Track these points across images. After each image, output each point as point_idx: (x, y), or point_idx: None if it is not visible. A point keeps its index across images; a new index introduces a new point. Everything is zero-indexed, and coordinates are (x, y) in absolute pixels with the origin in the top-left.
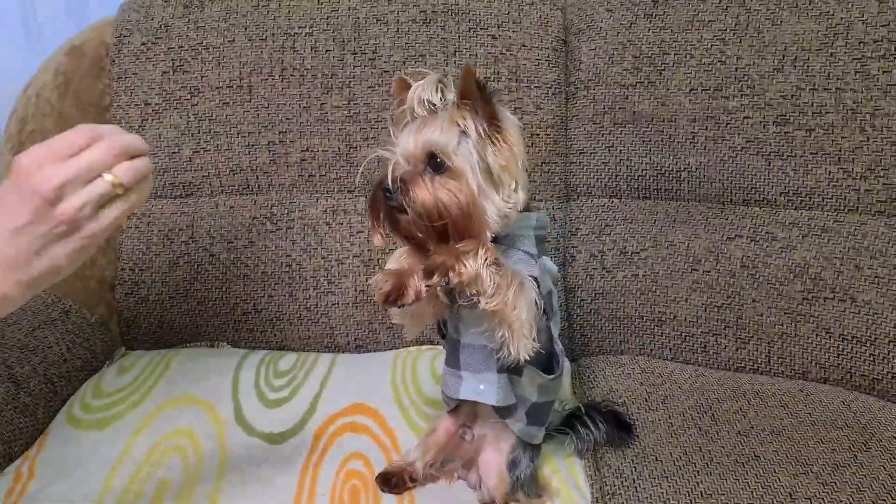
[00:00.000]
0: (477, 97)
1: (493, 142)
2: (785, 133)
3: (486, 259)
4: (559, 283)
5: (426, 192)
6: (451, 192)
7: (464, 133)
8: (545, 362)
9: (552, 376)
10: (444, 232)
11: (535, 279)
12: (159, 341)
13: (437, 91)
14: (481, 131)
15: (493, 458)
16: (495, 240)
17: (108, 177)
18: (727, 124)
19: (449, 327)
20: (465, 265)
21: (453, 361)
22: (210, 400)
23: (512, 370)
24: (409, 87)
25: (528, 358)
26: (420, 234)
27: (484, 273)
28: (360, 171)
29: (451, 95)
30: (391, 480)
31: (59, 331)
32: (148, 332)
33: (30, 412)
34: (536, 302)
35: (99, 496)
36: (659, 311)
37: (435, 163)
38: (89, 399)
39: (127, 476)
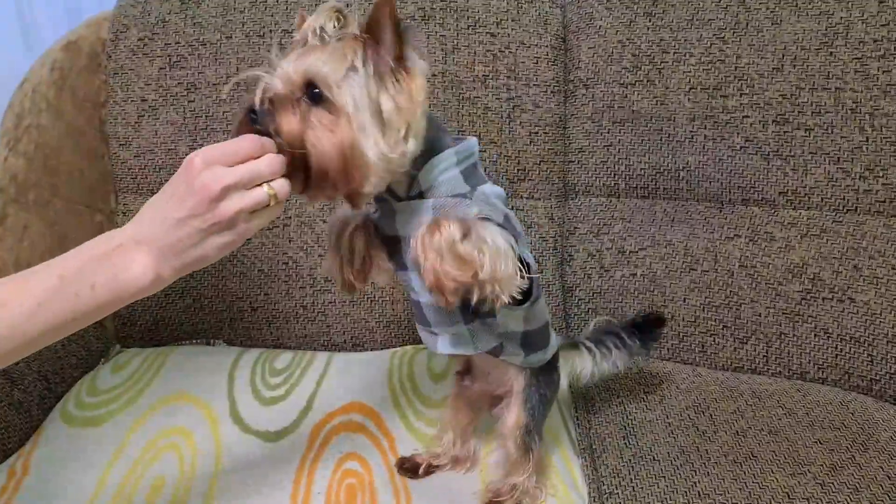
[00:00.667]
0: (388, 31)
1: (393, 82)
2: (784, 132)
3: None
4: (507, 201)
5: (295, 122)
6: (323, 127)
7: (354, 67)
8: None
9: (529, 303)
10: (313, 169)
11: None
12: (154, 339)
13: (331, 20)
14: (381, 68)
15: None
16: (420, 195)
17: (266, 188)
18: (726, 123)
19: (406, 289)
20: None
21: (422, 318)
22: (205, 398)
23: (483, 314)
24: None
25: (515, 298)
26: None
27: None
28: (225, 89)
29: (352, 28)
30: (405, 465)
31: None
32: (143, 329)
33: (24, 409)
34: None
35: (94, 493)
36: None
37: (313, 93)
38: (84, 396)
39: (122, 473)
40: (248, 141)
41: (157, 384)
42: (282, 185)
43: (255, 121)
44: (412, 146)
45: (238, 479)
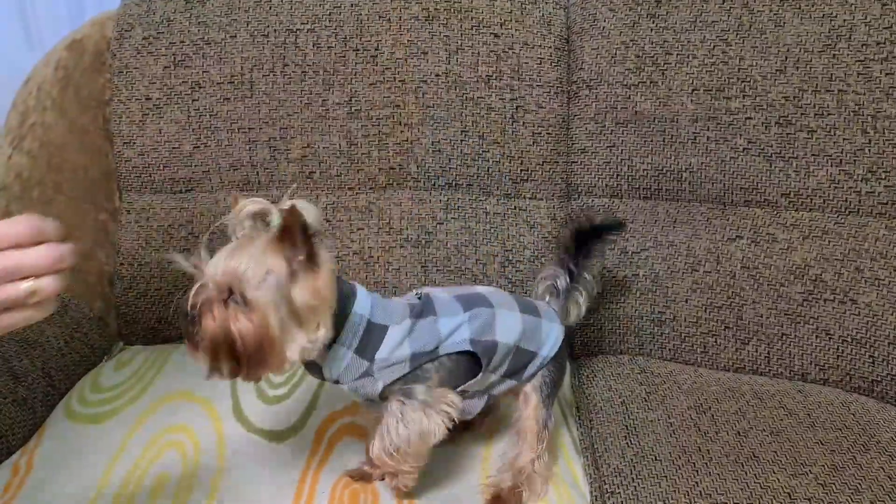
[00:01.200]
0: (298, 236)
1: (304, 280)
2: (787, 134)
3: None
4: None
5: (214, 323)
6: (247, 326)
7: (271, 270)
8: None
9: (481, 374)
10: (236, 358)
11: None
12: (157, 337)
13: (255, 219)
14: (294, 268)
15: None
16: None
17: (27, 285)
18: (729, 125)
19: None
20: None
21: None
22: (208, 396)
23: None
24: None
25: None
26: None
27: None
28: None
29: (275, 220)
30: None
31: (58, 325)
32: (146, 327)
33: (28, 406)
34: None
35: (97, 490)
36: (659, 312)
37: (237, 294)
38: (87, 393)
39: (125, 470)
40: (23, 224)
41: (160, 382)
42: (48, 284)
43: (189, 322)
44: (323, 334)
45: (241, 477)
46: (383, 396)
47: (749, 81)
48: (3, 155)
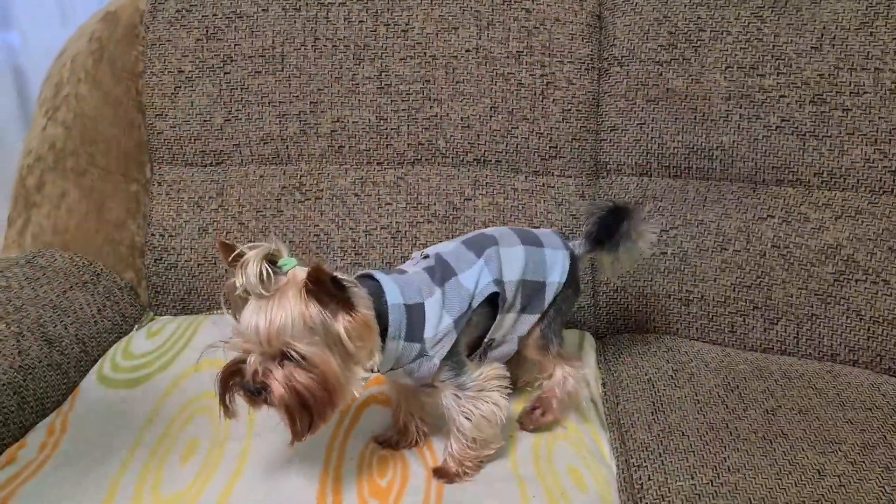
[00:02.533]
0: (328, 288)
1: (345, 320)
2: (821, 112)
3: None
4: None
5: (284, 387)
6: (311, 381)
7: (313, 321)
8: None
9: (500, 314)
10: (310, 414)
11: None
12: (186, 307)
13: (262, 270)
14: (331, 315)
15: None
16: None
17: None
18: (762, 103)
19: None
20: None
21: None
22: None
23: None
24: (231, 250)
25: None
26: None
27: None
28: (220, 374)
29: (286, 262)
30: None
31: (90, 293)
32: (176, 298)
33: (62, 370)
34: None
35: (130, 451)
36: (686, 290)
37: (290, 355)
38: (119, 360)
39: (157, 434)
40: None
41: (189, 351)
42: None
43: (252, 395)
44: (378, 358)
45: (271, 442)
46: (430, 384)
47: (784, 59)
48: (38, 126)
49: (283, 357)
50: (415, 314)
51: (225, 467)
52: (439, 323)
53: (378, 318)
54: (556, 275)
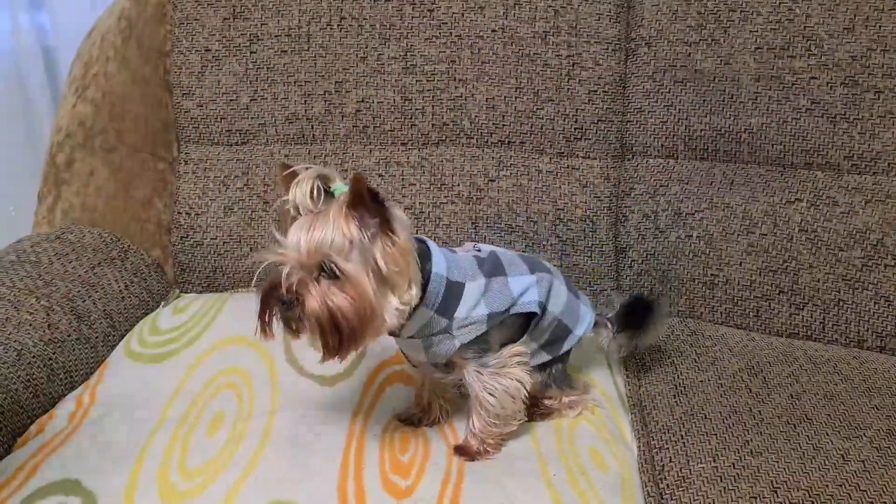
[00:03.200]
0: (369, 207)
1: (384, 243)
2: (852, 95)
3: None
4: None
5: (319, 303)
6: (345, 300)
7: (353, 240)
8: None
9: (527, 334)
10: (339, 333)
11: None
12: (212, 285)
13: (314, 189)
14: (370, 237)
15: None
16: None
17: None
18: (792, 85)
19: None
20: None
21: None
22: (262, 342)
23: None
24: (290, 173)
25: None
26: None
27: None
28: (255, 275)
29: (338, 186)
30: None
31: (118, 269)
32: (202, 275)
33: (90, 344)
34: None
35: (157, 423)
36: (711, 274)
37: (327, 270)
38: (146, 335)
39: (183, 407)
40: None
41: (215, 327)
42: None
43: (286, 307)
44: (415, 292)
45: (294, 418)
46: (448, 363)
47: (815, 40)
48: (68, 104)
49: (320, 272)
50: (453, 291)
51: (249, 441)
52: (474, 308)
53: (423, 267)
54: (581, 329)
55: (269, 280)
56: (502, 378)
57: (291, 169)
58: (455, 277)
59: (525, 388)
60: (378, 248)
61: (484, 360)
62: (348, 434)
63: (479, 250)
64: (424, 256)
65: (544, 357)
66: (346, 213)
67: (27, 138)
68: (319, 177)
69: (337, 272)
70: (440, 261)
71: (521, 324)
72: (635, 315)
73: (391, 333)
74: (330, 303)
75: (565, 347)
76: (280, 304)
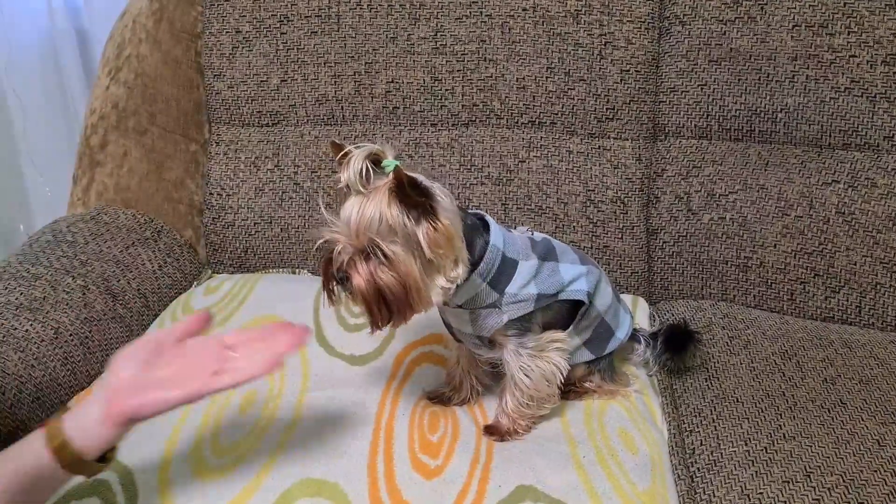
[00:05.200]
0: (411, 191)
1: (429, 226)
2: (893, 73)
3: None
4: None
5: (364, 280)
6: (391, 278)
7: (399, 221)
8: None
9: (572, 327)
10: (388, 308)
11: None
12: (243, 266)
13: (364, 169)
14: (414, 219)
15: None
16: (459, 306)
17: None
18: (831, 63)
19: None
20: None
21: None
22: (292, 321)
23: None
24: (340, 148)
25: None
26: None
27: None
28: (313, 250)
29: (388, 163)
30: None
31: (152, 249)
32: (233, 256)
33: (125, 323)
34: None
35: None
36: (745, 257)
37: (376, 249)
38: (180, 315)
39: None
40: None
41: (247, 307)
42: None
43: (339, 282)
44: (462, 271)
45: (325, 396)
46: (491, 339)
47: (855, 17)
48: (101, 85)
49: (369, 252)
50: (507, 266)
51: (280, 420)
52: (524, 287)
53: (472, 251)
54: (622, 332)
55: (324, 255)
56: (540, 361)
57: (345, 150)
58: (510, 254)
59: (561, 373)
60: (421, 232)
61: (524, 340)
62: (378, 414)
63: (532, 234)
64: (481, 229)
65: (587, 355)
66: (390, 197)
67: (62, 120)
68: (370, 155)
69: (383, 254)
70: (497, 234)
71: (566, 313)
72: (674, 339)
73: None
74: (377, 280)
75: (608, 349)
76: (334, 280)
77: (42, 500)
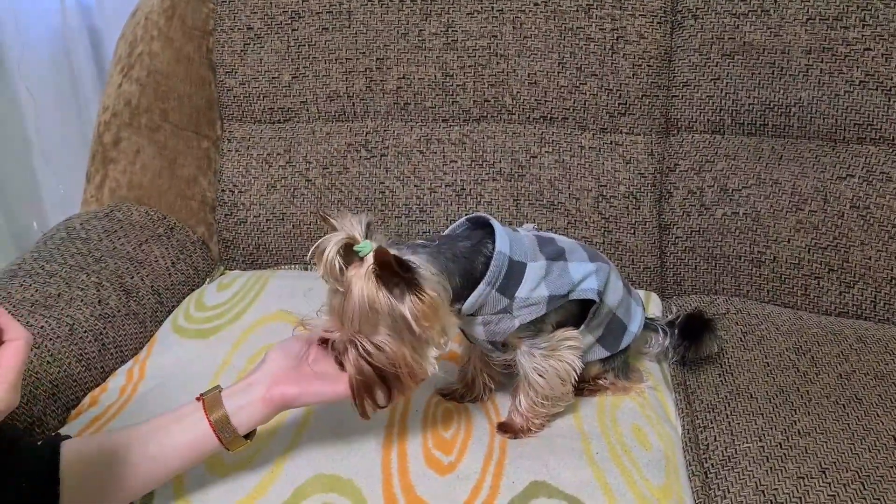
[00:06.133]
0: (395, 271)
1: (414, 303)
2: None
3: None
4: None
5: (355, 370)
6: (378, 364)
7: (381, 312)
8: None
9: (584, 325)
10: (385, 385)
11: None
12: (255, 262)
13: (338, 267)
14: (398, 296)
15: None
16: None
17: None
18: (845, 57)
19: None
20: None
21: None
22: (305, 317)
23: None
24: (328, 222)
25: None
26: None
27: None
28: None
29: (362, 246)
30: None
31: (165, 246)
32: (245, 252)
33: (139, 319)
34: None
35: None
36: (758, 252)
37: (360, 342)
38: (193, 311)
39: (229, 381)
40: None
41: (259, 303)
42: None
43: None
44: (451, 335)
45: None
46: (504, 343)
47: (870, 9)
48: (114, 83)
49: (359, 338)
50: (515, 270)
51: (293, 416)
52: (535, 289)
53: (474, 263)
54: (635, 325)
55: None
56: (553, 360)
57: (332, 222)
58: (517, 257)
59: (575, 372)
60: (407, 307)
61: (536, 341)
62: (390, 410)
63: (538, 232)
64: (483, 240)
65: (601, 352)
66: (376, 282)
67: (75, 118)
68: (340, 247)
69: (368, 350)
70: (503, 238)
71: (577, 312)
72: (693, 327)
73: None
74: (365, 369)
75: (623, 345)
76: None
77: (181, 471)
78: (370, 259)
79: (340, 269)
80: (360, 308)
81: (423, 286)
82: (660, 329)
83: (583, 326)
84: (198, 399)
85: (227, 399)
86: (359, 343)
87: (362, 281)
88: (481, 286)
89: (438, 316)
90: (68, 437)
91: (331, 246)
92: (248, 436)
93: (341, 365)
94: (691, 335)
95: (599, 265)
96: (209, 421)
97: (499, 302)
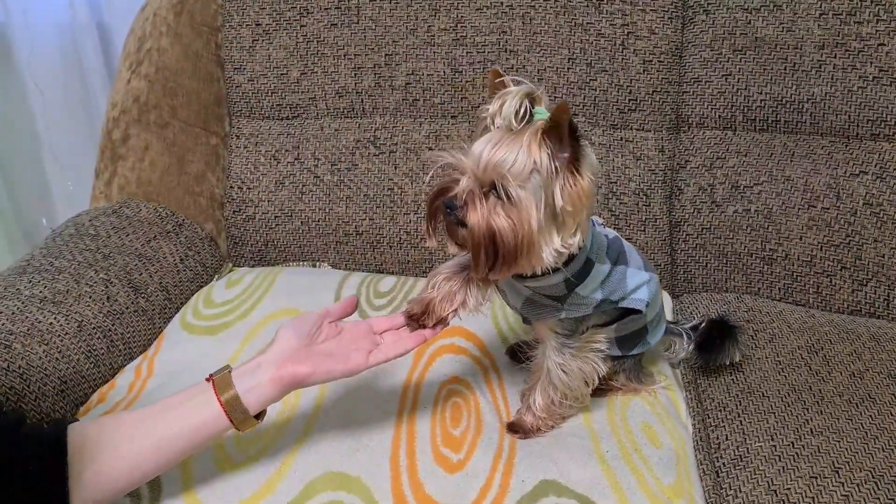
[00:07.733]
0: (566, 139)
1: (566, 182)
2: None
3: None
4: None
5: (481, 218)
6: (507, 223)
7: (537, 168)
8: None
9: (614, 327)
10: (495, 255)
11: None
12: (263, 259)
13: (521, 108)
14: (556, 169)
15: None
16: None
17: None
18: (859, 52)
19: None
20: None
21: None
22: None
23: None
24: (501, 80)
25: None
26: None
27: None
28: (429, 175)
29: (540, 111)
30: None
31: (174, 243)
32: (254, 249)
33: (147, 316)
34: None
35: None
36: (770, 249)
37: (499, 190)
38: (201, 308)
39: None
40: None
41: (268, 300)
42: None
43: (450, 212)
44: (578, 240)
45: (347, 389)
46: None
47: (884, 4)
48: (123, 79)
49: (491, 190)
50: (586, 268)
51: (301, 414)
52: (593, 292)
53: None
54: (654, 338)
55: (439, 184)
56: (580, 361)
57: (502, 78)
58: (592, 256)
59: (598, 375)
60: (559, 183)
61: (569, 341)
62: (399, 407)
63: (605, 229)
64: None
65: (615, 351)
66: (541, 139)
67: (84, 114)
68: (528, 95)
69: (507, 195)
70: (588, 235)
71: (617, 315)
72: (715, 334)
73: None
74: (491, 222)
75: (635, 351)
76: (445, 209)
77: (191, 452)
78: (540, 125)
79: (526, 112)
80: (519, 156)
81: (583, 169)
82: (683, 333)
83: (614, 324)
84: (208, 380)
85: (238, 379)
86: (497, 188)
87: (531, 137)
88: (559, 272)
89: (584, 205)
90: (75, 419)
91: (520, 91)
92: (259, 416)
93: (453, 215)
94: (714, 342)
95: (652, 276)
96: (220, 401)
97: (559, 289)
